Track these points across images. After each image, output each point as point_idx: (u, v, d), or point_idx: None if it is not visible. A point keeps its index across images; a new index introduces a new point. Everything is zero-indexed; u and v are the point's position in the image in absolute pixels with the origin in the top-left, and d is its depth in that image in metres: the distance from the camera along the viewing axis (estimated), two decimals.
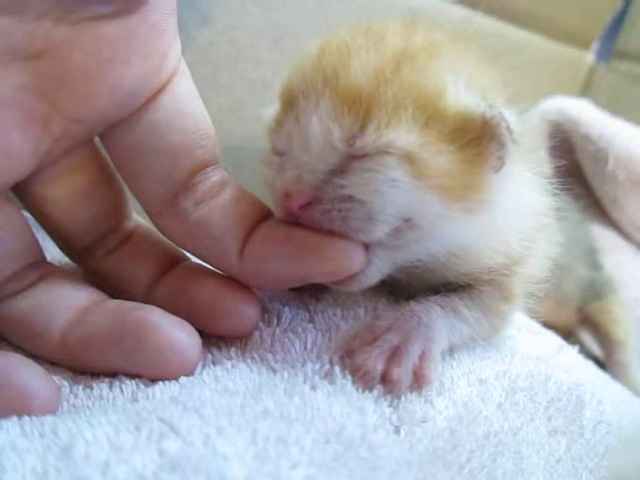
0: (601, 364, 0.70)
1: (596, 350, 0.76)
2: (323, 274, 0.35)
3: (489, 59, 0.39)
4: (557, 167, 0.43)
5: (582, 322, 0.76)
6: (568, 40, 0.98)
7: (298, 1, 0.65)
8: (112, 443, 0.26)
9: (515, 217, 0.39)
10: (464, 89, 0.35)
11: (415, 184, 0.33)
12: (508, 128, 0.35)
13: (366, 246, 0.34)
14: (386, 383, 0.33)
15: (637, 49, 1.06)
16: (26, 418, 0.28)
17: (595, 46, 1.04)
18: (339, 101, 0.34)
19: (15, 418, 0.28)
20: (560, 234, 0.45)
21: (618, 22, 1.05)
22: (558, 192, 0.42)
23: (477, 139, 0.35)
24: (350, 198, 0.33)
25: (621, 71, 1.06)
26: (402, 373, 0.34)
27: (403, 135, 0.33)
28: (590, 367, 0.52)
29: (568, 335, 0.72)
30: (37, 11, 0.30)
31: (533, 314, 0.50)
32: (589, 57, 1.04)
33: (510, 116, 0.35)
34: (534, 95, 0.87)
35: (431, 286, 0.40)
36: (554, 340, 0.53)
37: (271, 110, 0.40)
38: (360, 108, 0.33)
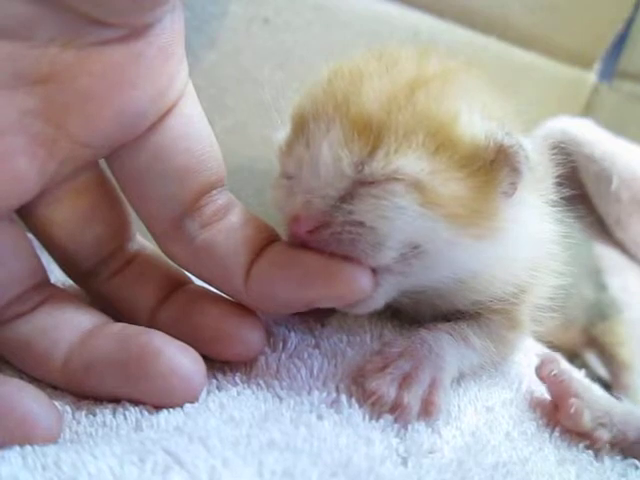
0: (607, 386, 0.69)
1: (602, 372, 0.75)
2: (330, 298, 0.34)
3: (499, 84, 0.39)
4: (561, 186, 0.43)
5: (587, 343, 0.75)
6: (570, 60, 0.98)
7: (303, 24, 0.66)
8: (116, 476, 0.25)
9: (524, 245, 0.38)
10: (478, 116, 0.35)
11: (423, 212, 0.33)
12: (526, 157, 0.35)
13: (374, 270, 0.34)
14: (396, 409, 0.33)
15: (639, 69, 1.06)
16: (28, 448, 0.27)
17: (597, 66, 1.04)
18: (349, 127, 0.34)
19: (17, 448, 0.27)
20: (565, 256, 0.45)
21: (620, 42, 1.06)
22: (565, 218, 0.41)
23: (488, 165, 0.35)
24: (359, 223, 0.33)
25: (623, 91, 1.06)
26: (412, 399, 0.33)
27: (412, 162, 0.33)
28: (597, 391, 0.52)
29: (574, 357, 0.71)
30: (44, 36, 0.30)
31: (538, 337, 0.50)
32: (591, 77, 1.04)
33: (528, 144, 0.35)
34: (537, 115, 0.87)
35: (439, 312, 0.39)
36: None
37: (282, 132, 0.40)
38: (370, 134, 0.33)
